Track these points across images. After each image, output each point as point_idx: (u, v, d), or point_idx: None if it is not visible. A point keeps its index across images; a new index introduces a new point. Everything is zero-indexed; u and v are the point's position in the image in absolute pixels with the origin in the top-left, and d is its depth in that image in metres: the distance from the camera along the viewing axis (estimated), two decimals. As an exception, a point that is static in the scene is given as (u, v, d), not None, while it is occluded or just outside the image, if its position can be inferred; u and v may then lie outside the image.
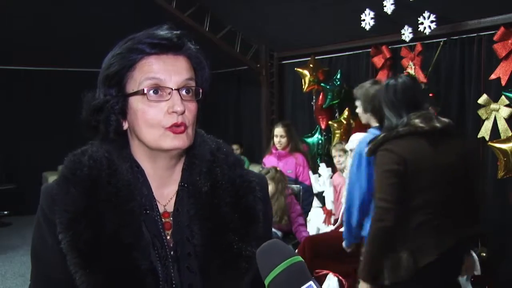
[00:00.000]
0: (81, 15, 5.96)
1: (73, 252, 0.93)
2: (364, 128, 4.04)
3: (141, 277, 0.95)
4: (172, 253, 1.02)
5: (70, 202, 0.95)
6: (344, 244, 3.10)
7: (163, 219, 1.03)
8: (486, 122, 4.06)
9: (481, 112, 4.06)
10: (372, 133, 2.78)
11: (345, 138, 4.88)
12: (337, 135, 5.25)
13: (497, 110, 3.95)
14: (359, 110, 3.10)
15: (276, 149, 4.75)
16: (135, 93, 0.97)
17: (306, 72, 5.62)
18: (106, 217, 0.95)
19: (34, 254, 1.04)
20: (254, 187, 1.07)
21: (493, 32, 3.93)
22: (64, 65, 7.67)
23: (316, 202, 5.11)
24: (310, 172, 4.95)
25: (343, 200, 4.18)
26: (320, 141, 5.62)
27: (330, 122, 5.41)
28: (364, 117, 3.06)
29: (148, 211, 1.02)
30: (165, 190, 1.06)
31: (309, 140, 5.73)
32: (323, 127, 5.69)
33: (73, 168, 0.99)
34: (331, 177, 4.83)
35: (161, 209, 1.04)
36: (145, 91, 0.96)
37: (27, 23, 6.11)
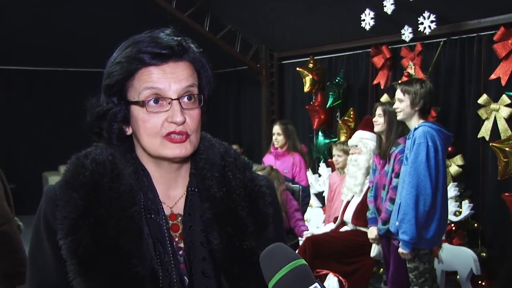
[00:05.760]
0: (81, 15, 5.95)
1: (72, 258, 0.93)
2: (364, 128, 4.05)
3: (139, 283, 0.94)
4: (180, 256, 1.01)
5: (71, 209, 0.95)
6: (404, 248, 2.93)
7: (170, 222, 1.04)
8: (486, 122, 4.06)
9: (481, 112, 4.06)
10: (429, 125, 2.91)
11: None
12: (344, 134, 5.23)
13: (497, 110, 3.95)
14: (401, 104, 3.03)
15: (276, 148, 4.74)
16: (135, 103, 0.98)
17: (307, 72, 5.63)
18: (106, 223, 0.95)
19: (31, 260, 1.04)
20: (265, 192, 1.07)
21: (493, 32, 3.93)
22: (64, 65, 7.67)
23: (316, 202, 5.11)
24: (310, 172, 4.94)
25: (343, 197, 4.17)
26: (331, 142, 5.57)
27: (339, 122, 5.41)
28: (405, 112, 3.02)
29: (152, 215, 1.01)
30: (171, 193, 1.06)
31: (319, 140, 5.71)
32: (314, 127, 5.68)
33: (76, 173, 0.98)
34: (331, 177, 4.82)
35: (167, 211, 1.04)
36: (145, 102, 0.96)
37: (27, 23, 6.11)
